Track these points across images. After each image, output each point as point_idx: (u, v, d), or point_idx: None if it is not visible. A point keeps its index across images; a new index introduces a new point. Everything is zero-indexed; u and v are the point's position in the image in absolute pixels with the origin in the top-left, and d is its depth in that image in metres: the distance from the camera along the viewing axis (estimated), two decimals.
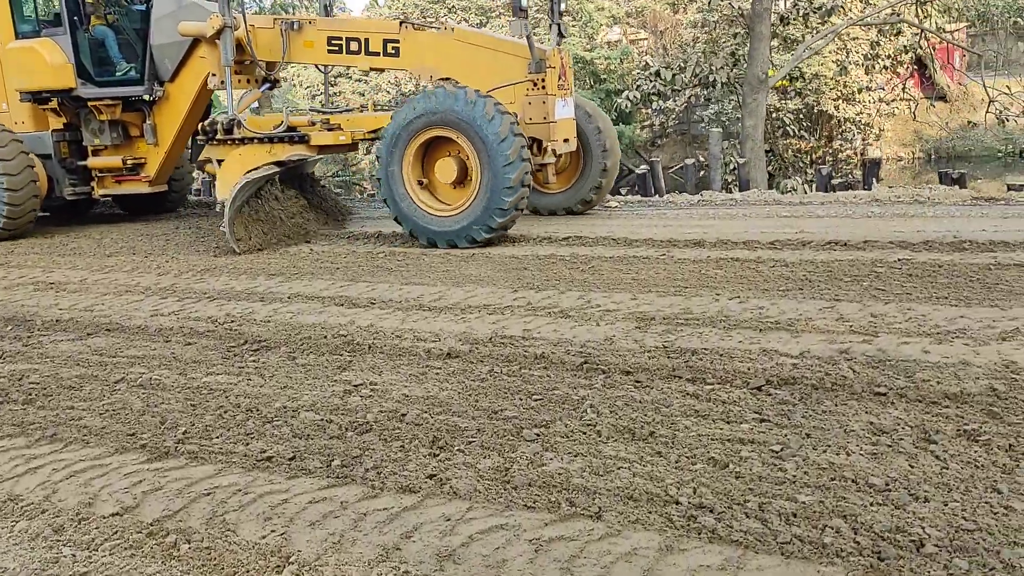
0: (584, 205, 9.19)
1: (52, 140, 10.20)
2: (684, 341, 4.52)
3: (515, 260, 7.14)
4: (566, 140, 8.36)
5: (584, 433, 3.37)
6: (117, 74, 10.00)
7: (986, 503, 2.62)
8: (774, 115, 21.20)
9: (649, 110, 22.20)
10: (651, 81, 18.80)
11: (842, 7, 17.40)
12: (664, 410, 3.55)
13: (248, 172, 8.27)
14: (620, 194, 16.72)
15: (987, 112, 17.48)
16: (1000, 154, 24.69)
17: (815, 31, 18.20)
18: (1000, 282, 5.24)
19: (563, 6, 8.73)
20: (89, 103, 9.89)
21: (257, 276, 7.14)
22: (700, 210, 9.34)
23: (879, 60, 20.85)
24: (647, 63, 20.30)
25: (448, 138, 7.67)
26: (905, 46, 19.58)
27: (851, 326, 4.56)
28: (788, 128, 20.83)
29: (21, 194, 9.72)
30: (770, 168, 18.68)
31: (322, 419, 3.72)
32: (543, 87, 8.04)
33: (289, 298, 6.26)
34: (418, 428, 3.55)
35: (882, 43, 19.51)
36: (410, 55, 8.54)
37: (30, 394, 4.33)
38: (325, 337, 5.07)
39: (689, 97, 16.98)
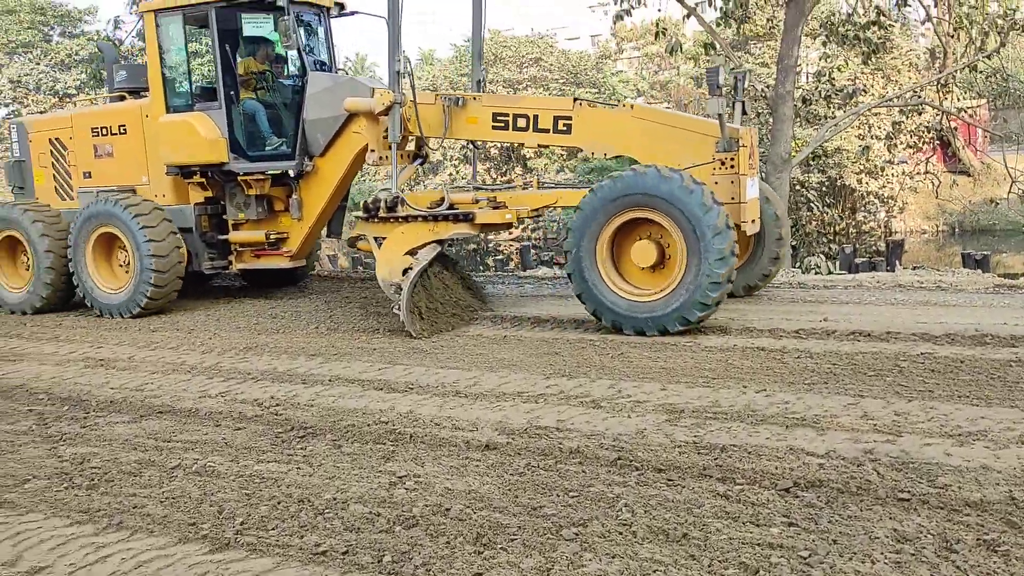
0: (747, 291, 8.90)
1: (194, 214, 10.26)
2: (713, 436, 4.71)
3: (545, 343, 7.38)
4: (753, 221, 8.10)
5: (620, 534, 3.55)
6: (267, 148, 10.01)
7: None
8: (797, 188, 21.51)
9: None
10: None
11: (864, 89, 17.81)
12: (696, 511, 3.74)
13: (410, 251, 8.30)
14: None
15: (1009, 192, 17.69)
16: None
17: (836, 111, 18.60)
18: (1021, 380, 5.40)
19: (745, 83, 8.41)
20: (239, 177, 9.95)
21: (298, 356, 7.43)
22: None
23: (902, 137, 21.18)
24: None
25: (645, 220, 7.48)
26: (927, 126, 19.90)
27: (875, 424, 4.73)
28: (811, 204, 21.12)
29: (167, 268, 9.78)
30: (793, 242, 18.89)
31: (370, 512, 3.94)
32: (732, 166, 7.76)
33: (330, 381, 6.52)
34: (462, 524, 3.75)
35: (904, 122, 19.86)
36: (583, 132, 8.46)
37: (92, 479, 4.59)
38: (368, 424, 5.31)
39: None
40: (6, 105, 38.67)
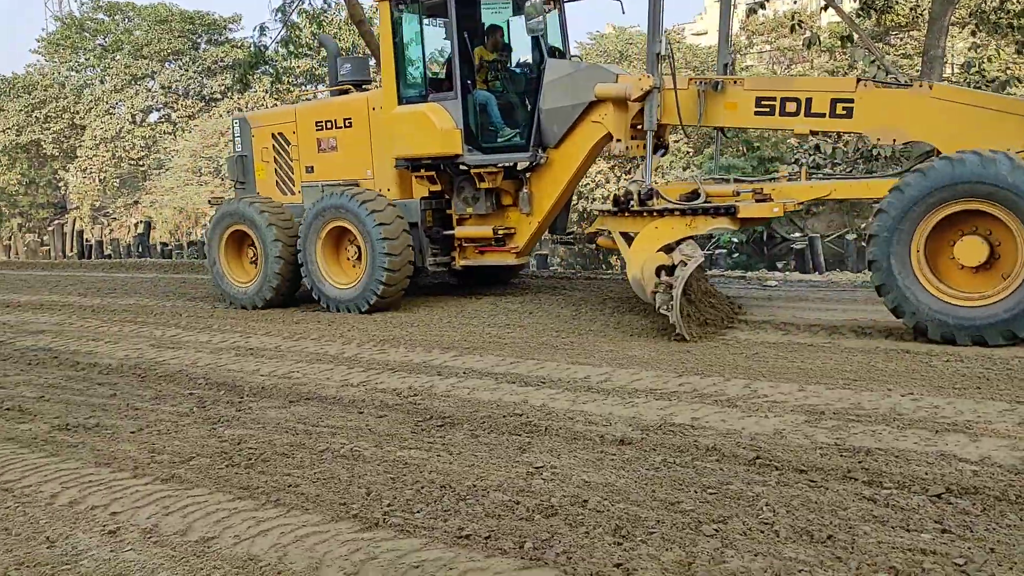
0: None
1: (419, 208, 10.04)
2: (857, 439, 4.58)
3: (675, 344, 7.33)
4: None
5: (762, 532, 3.52)
6: (500, 140, 9.60)
7: None
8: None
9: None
10: (811, 154, 18.63)
11: (1019, 79, 16.71)
12: (841, 513, 3.65)
13: (664, 248, 7.72)
14: (777, 269, 16.57)
15: None
16: None
17: None
18: None
19: None
20: (472, 170, 9.59)
21: (432, 349, 7.66)
22: (864, 292, 9.21)
23: None
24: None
25: (970, 213, 6.60)
26: None
27: None
28: None
29: (399, 264, 9.59)
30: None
31: (510, 500, 4.04)
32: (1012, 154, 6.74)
33: (464, 373, 6.70)
34: (600, 515, 3.80)
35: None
36: (868, 115, 7.68)
37: (250, 459, 4.90)
38: (503, 416, 5.44)
39: (851, 171, 16.65)
40: (158, 110, 41.46)
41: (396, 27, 9.79)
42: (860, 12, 16.08)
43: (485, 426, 5.28)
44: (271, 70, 21.77)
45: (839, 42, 18.00)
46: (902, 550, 3.28)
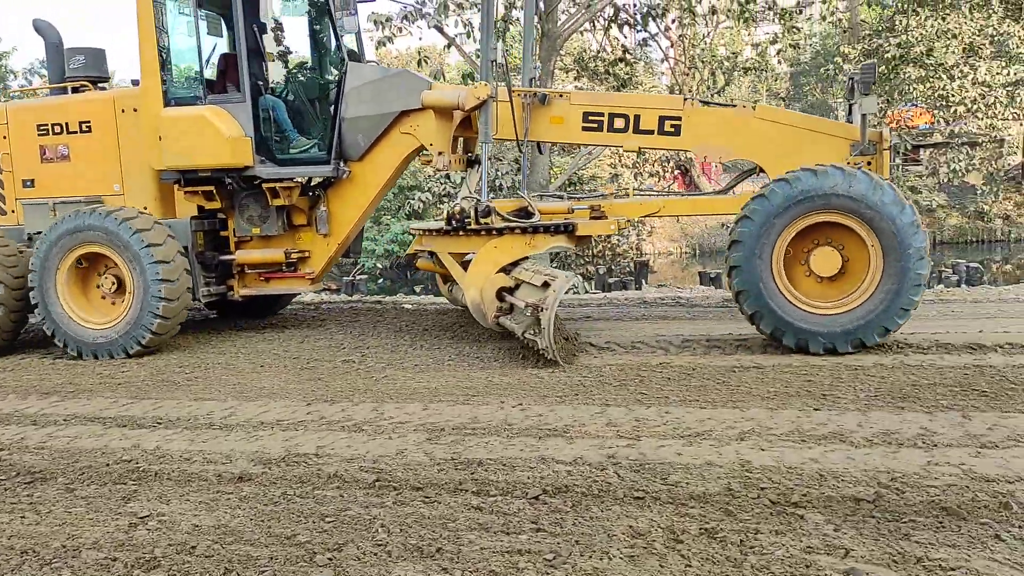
0: None
1: (191, 229, 8.56)
2: (471, 452, 4.83)
3: (307, 371, 7.23)
4: None
5: (376, 555, 3.55)
6: (294, 151, 8.52)
7: None
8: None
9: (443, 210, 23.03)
10: (441, 183, 19.65)
11: None
12: (451, 525, 3.81)
13: (502, 269, 7.39)
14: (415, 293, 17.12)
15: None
16: None
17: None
18: (741, 384, 6.01)
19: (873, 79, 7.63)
20: (264, 184, 8.39)
21: (28, 395, 6.75)
22: None
23: (647, 165, 22.95)
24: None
25: (824, 225, 6.76)
26: (668, 155, 21.70)
27: (618, 430, 5.07)
28: None
29: (176, 295, 8.10)
30: (554, 264, 19.84)
31: (106, 557, 3.65)
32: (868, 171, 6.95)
33: (65, 420, 5.98)
34: (208, 560, 3.57)
35: (648, 151, 21.52)
36: (695, 134, 7.78)
37: None
38: (108, 464, 4.92)
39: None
40: None
41: (159, 13, 8.29)
42: (479, 53, 17.36)
43: (84, 478, 4.73)
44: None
45: (463, 80, 19.21)
46: (501, 553, 3.50)
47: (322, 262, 8.89)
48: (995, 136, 23.63)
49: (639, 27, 17.97)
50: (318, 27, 8.99)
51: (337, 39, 8.51)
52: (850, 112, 7.87)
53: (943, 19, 21.30)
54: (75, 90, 9.19)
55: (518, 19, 15.95)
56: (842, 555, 3.29)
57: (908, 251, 6.53)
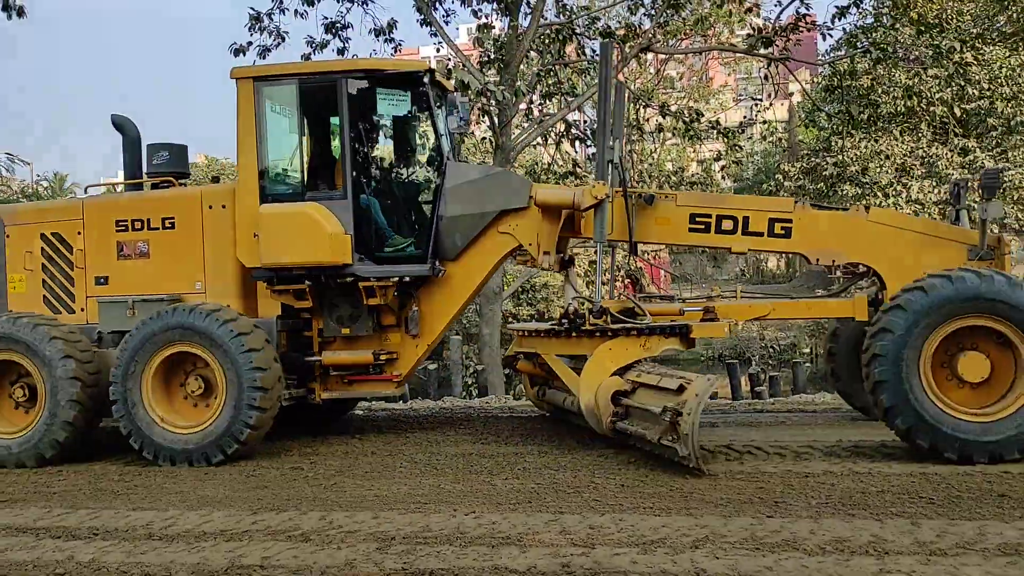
0: None
1: (275, 329, 8.18)
2: (423, 562, 4.70)
3: (253, 479, 7.04)
4: None
5: None
6: (390, 250, 8.24)
7: None
8: (509, 323, 22.74)
9: None
10: None
11: None
12: None
13: (617, 372, 7.24)
14: None
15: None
16: (703, 358, 28.04)
17: None
18: (695, 491, 6.00)
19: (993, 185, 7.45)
20: (361, 283, 8.07)
21: None
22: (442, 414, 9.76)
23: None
24: None
25: (970, 330, 6.65)
26: (619, 265, 22.12)
27: (572, 539, 5.00)
28: None
29: (270, 398, 7.69)
30: (507, 371, 19.79)
31: None
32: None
33: None
34: None
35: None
36: (807, 237, 7.76)
37: None
38: None
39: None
40: None
41: (260, 110, 8.18)
42: None
43: None
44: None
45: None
46: None
47: (410, 364, 8.60)
48: None
49: (588, 142, 18.62)
50: (416, 124, 9.07)
51: (437, 138, 8.51)
52: (956, 218, 7.98)
53: (875, 141, 22.56)
54: (155, 186, 9.03)
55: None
56: None
57: None
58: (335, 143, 8.73)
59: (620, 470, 6.74)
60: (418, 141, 9.18)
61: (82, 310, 8.73)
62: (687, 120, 16.42)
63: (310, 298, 8.28)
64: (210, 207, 8.47)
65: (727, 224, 7.91)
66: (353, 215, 8.03)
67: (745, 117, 29.65)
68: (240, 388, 7.57)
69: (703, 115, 17.26)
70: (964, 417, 6.55)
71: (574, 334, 7.60)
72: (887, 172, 22.41)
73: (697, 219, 7.97)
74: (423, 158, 9.11)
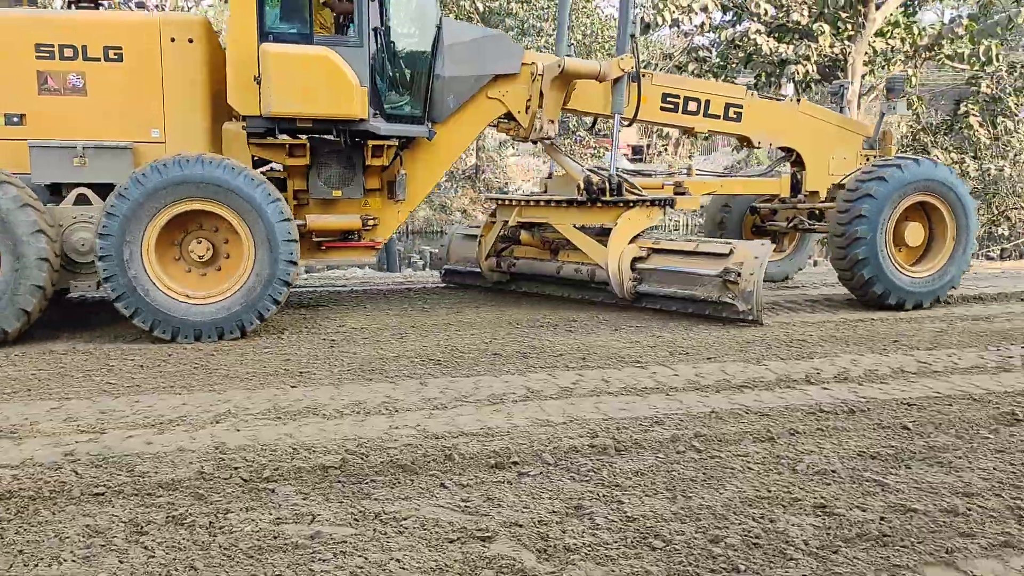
0: (783, 279, 10.60)
1: None
2: None
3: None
4: None
5: None
6: (391, 108, 7.60)
7: None
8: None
9: None
10: None
11: None
12: None
13: (634, 240, 8.01)
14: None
15: None
16: None
17: None
18: (218, 367, 5.92)
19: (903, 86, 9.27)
20: (371, 142, 7.60)
21: None
22: None
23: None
24: None
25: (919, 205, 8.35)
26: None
27: (79, 425, 4.61)
28: None
29: (297, 269, 7.00)
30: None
31: None
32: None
33: None
34: None
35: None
36: (753, 122, 8.77)
37: None
38: None
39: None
40: None
41: None
42: None
43: None
44: None
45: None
46: None
47: (391, 230, 8.35)
48: None
49: None
50: None
51: None
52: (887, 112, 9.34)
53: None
54: (96, 4, 7.45)
55: None
56: (309, 521, 3.43)
57: (972, 228, 8.44)
58: None
59: (140, 351, 6.36)
60: None
61: None
62: None
63: (305, 155, 7.64)
64: (172, 39, 7.22)
65: (692, 106, 8.74)
66: (369, 66, 7.37)
67: None
68: (273, 261, 6.85)
69: None
70: (908, 274, 8.35)
71: (598, 204, 8.11)
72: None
73: (668, 99, 8.71)
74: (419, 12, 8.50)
